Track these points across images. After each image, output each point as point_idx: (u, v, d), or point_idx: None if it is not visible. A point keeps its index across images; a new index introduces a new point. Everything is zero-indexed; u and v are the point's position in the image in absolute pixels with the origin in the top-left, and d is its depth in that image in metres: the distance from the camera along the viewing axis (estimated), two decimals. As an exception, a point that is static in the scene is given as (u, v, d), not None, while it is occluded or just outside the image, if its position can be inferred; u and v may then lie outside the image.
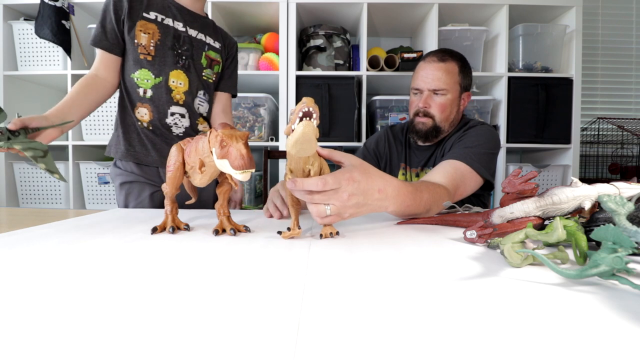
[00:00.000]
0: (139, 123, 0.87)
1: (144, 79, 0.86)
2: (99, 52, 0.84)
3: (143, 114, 0.87)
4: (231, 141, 0.39)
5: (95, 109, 0.83)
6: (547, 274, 0.31)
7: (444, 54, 0.93)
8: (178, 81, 0.88)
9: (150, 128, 0.88)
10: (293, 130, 0.38)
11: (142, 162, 0.88)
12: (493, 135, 0.89)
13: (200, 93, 0.94)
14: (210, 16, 1.56)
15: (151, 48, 0.85)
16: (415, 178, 1.00)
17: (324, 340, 0.19)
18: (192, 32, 0.91)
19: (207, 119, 0.98)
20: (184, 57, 0.89)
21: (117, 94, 0.89)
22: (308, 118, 0.37)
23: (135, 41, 0.83)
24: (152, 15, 0.85)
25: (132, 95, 0.87)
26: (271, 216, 0.64)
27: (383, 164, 1.07)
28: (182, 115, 0.90)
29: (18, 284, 0.27)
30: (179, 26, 0.88)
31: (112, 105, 1.60)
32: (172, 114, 0.89)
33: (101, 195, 1.69)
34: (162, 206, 0.89)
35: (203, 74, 0.93)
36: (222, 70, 1.00)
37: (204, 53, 0.93)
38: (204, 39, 0.93)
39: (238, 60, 1.06)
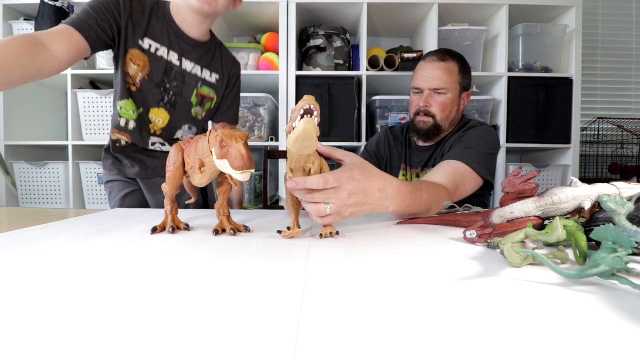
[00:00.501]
0: (117, 144, 0.87)
1: (129, 110, 0.83)
2: (70, 30, 0.68)
3: (121, 137, 0.87)
4: (231, 141, 0.39)
5: (21, 85, 0.62)
6: (547, 274, 0.31)
7: (443, 53, 0.93)
8: (157, 118, 0.85)
9: (133, 144, 0.88)
10: (294, 128, 0.38)
11: (127, 175, 0.90)
12: (493, 136, 0.89)
13: (185, 127, 0.91)
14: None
15: (137, 80, 0.81)
16: (415, 179, 1.00)
17: (324, 341, 0.19)
18: (187, 65, 0.85)
19: None
20: (171, 93, 0.84)
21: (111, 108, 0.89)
22: (309, 116, 0.37)
23: (124, 68, 0.80)
24: (146, 44, 0.79)
25: (114, 119, 0.86)
26: None
27: (384, 165, 1.07)
28: (163, 144, 0.90)
29: (18, 284, 0.27)
30: (174, 58, 0.82)
31: (112, 104, 1.60)
32: (153, 144, 0.89)
33: (101, 195, 1.69)
34: (138, 206, 0.91)
35: (192, 111, 0.89)
36: (221, 100, 0.95)
37: (195, 90, 0.87)
38: (199, 73, 0.87)
39: (241, 84, 1.00)
